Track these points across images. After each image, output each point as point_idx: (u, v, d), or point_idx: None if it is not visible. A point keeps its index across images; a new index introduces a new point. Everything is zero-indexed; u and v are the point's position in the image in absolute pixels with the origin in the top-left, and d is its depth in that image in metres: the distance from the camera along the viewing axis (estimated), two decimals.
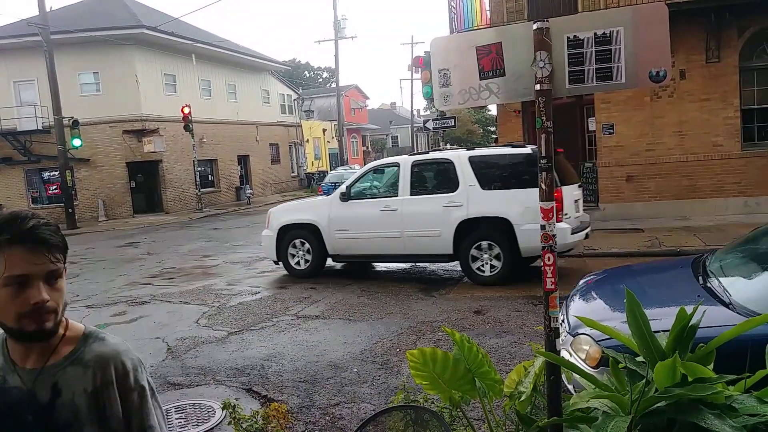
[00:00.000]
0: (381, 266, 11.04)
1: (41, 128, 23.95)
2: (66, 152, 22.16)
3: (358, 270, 10.84)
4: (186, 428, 4.70)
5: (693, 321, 2.17)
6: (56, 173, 23.75)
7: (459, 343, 2.84)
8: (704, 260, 4.69)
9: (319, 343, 6.64)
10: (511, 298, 8.02)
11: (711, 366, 2.19)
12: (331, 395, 5.17)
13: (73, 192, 23.42)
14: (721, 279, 4.12)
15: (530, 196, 8.12)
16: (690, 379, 2.05)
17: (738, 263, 4.52)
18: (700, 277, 4.30)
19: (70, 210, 22.31)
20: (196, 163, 26.21)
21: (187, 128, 24.94)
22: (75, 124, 21.95)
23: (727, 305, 3.68)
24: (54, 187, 24.84)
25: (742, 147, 13.04)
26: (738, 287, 3.93)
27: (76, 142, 22.07)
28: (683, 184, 13.31)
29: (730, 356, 2.51)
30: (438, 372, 2.78)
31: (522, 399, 2.67)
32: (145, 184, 26.22)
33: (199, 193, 26.27)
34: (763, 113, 13.08)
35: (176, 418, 4.87)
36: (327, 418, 4.76)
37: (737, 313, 3.51)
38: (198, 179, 26.35)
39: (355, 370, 5.75)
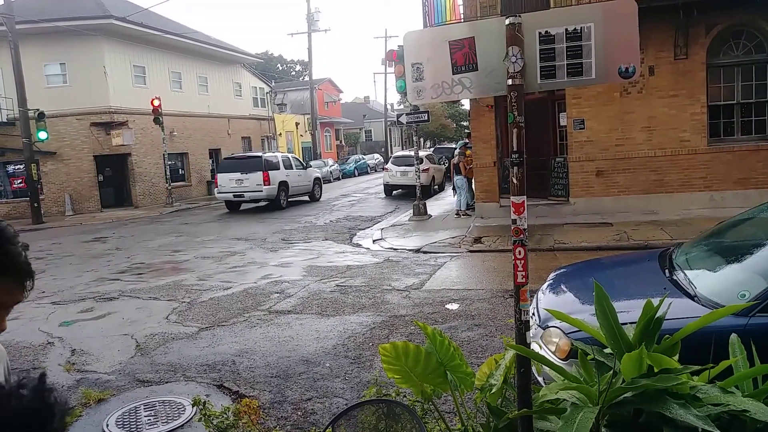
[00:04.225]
0: None
1: (6, 120, 23.34)
2: (31, 145, 21.63)
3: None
4: (155, 425, 4.64)
5: (659, 313, 2.21)
6: (21, 167, 23.16)
7: (431, 336, 2.85)
8: (670, 253, 4.78)
9: (291, 338, 6.61)
10: (482, 292, 8.08)
11: (676, 357, 2.23)
12: (304, 390, 5.16)
13: (39, 186, 22.87)
14: (686, 272, 4.21)
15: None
16: (656, 370, 2.09)
17: (703, 256, 4.61)
18: (667, 270, 4.39)
19: (35, 204, 21.80)
20: (166, 156, 25.82)
21: (156, 121, 24.53)
22: (41, 116, 21.42)
23: (692, 297, 3.76)
24: (19, 180, 24.23)
25: (709, 143, 13.32)
26: (703, 280, 4.02)
27: (42, 135, 21.55)
28: (651, 179, 13.55)
29: (695, 347, 2.57)
30: (410, 366, 2.79)
31: (493, 391, 2.69)
32: (114, 178, 25.73)
33: (169, 187, 25.89)
34: (728, 109, 13.37)
35: (145, 416, 4.80)
36: (299, 413, 4.74)
37: (702, 305, 3.59)
38: (168, 173, 25.96)
39: (328, 364, 5.74)
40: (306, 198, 24.04)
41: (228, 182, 20.65)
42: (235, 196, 20.75)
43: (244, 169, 20.57)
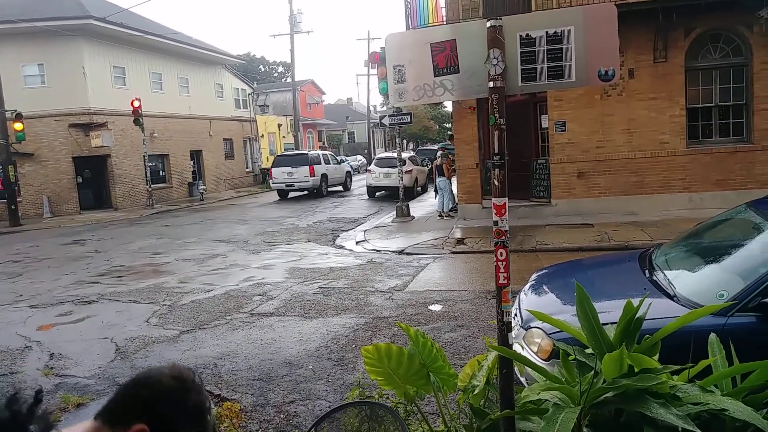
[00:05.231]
0: None
1: None
2: (8, 146, 21.29)
3: None
4: None
5: (639, 313, 2.23)
6: None
7: (413, 338, 2.85)
8: (650, 254, 4.83)
9: (273, 341, 6.57)
10: (464, 293, 8.11)
11: (656, 357, 2.26)
12: (286, 393, 5.13)
13: (17, 188, 22.48)
14: (666, 272, 4.25)
15: None
16: (636, 370, 2.11)
17: (682, 257, 4.67)
18: (647, 271, 4.43)
19: (13, 206, 21.44)
20: (146, 158, 25.54)
21: (137, 122, 24.27)
22: (18, 117, 21.11)
23: (671, 297, 3.80)
24: None
25: (687, 144, 13.49)
26: (682, 280, 4.07)
27: (19, 134, 21.22)
28: (631, 181, 13.70)
29: (674, 347, 2.59)
30: (393, 368, 2.79)
31: (475, 392, 2.70)
32: (93, 180, 25.38)
33: (149, 189, 25.62)
34: (707, 112, 13.56)
35: None
36: (281, 416, 4.72)
37: (681, 305, 3.63)
38: (149, 175, 25.69)
39: (311, 367, 5.72)
40: (340, 188, 28.48)
41: (281, 175, 25.18)
42: (286, 185, 25.36)
43: (294, 164, 25.11)
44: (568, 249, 10.38)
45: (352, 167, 45.47)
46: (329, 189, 26.80)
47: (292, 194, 26.26)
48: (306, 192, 25.84)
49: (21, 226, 21.15)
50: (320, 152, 28.06)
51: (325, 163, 26.68)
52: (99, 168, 25.27)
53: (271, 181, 26.13)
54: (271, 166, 26.39)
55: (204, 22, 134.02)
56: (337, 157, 30.66)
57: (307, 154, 26.33)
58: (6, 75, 21.39)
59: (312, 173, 24.88)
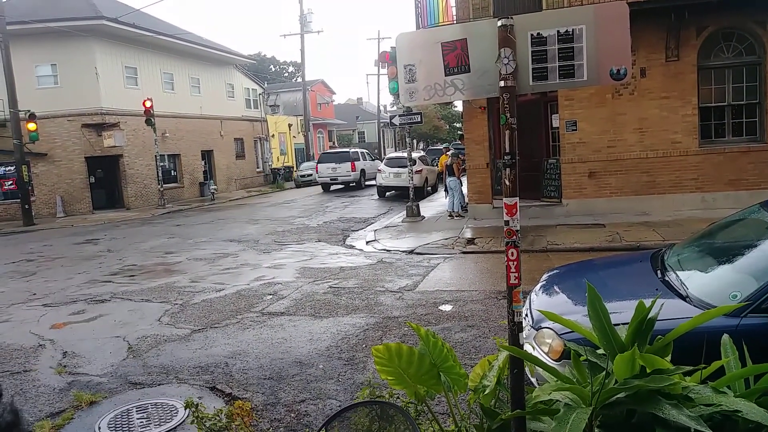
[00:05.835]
0: None
1: None
2: (22, 146, 21.50)
3: None
4: (148, 428, 4.62)
5: (651, 314, 2.22)
6: (12, 168, 23.01)
7: (424, 338, 2.85)
8: (662, 254, 4.80)
9: (284, 340, 6.59)
10: (475, 293, 8.09)
11: (669, 357, 2.24)
12: (297, 392, 5.15)
13: (30, 187, 22.72)
14: (678, 272, 4.23)
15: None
16: (648, 371, 2.09)
17: (695, 257, 4.64)
18: (659, 271, 4.40)
19: (26, 206, 21.66)
20: (158, 158, 25.71)
21: (148, 122, 24.42)
22: (32, 117, 21.31)
23: (684, 298, 3.77)
24: (9, 182, 24.06)
25: (700, 144, 13.38)
26: (695, 280, 4.04)
27: (33, 134, 21.41)
28: (643, 180, 13.60)
29: (687, 348, 2.58)
30: (403, 367, 2.79)
31: (486, 392, 2.70)
32: (105, 180, 25.58)
33: (161, 189, 25.80)
34: (719, 111, 13.45)
35: (137, 418, 4.78)
36: (292, 415, 4.73)
37: (694, 305, 3.60)
38: (160, 174, 25.87)
39: (321, 366, 5.73)
40: (374, 182, 30.42)
41: (325, 170, 28.33)
42: (330, 179, 28.43)
43: (337, 160, 28.49)
44: (579, 249, 10.33)
45: None
46: (366, 183, 30.12)
47: (308, 190, 29.03)
48: (343, 186, 29.01)
49: (34, 225, 21.35)
50: (359, 150, 31.70)
51: (363, 160, 30.06)
52: (111, 168, 25.47)
53: (316, 175, 29.25)
54: (317, 163, 29.92)
55: (215, 23, 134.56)
56: (372, 155, 33.92)
57: (348, 151, 29.97)
58: (19, 75, 21.60)
59: (353, 168, 28.04)
